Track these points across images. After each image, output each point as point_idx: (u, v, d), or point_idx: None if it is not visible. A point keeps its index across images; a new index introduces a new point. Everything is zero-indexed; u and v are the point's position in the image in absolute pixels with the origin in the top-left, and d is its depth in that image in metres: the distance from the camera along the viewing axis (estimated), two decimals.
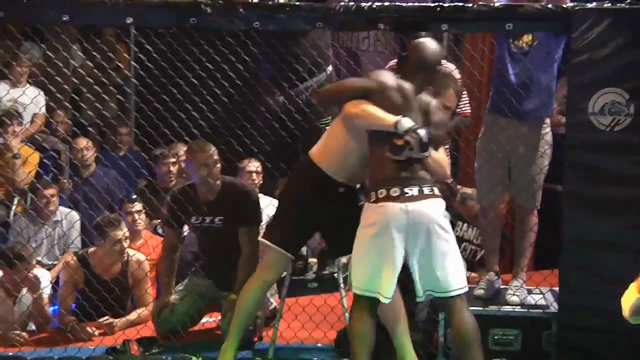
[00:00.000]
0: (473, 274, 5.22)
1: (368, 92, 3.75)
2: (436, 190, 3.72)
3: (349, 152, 3.88)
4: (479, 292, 4.55)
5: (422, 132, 3.65)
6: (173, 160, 6.24)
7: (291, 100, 4.41)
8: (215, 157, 4.62)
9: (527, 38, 4.43)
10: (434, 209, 3.68)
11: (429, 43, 3.84)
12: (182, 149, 6.24)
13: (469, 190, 5.60)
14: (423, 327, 4.42)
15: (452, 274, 3.71)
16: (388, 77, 3.79)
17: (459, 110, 4.93)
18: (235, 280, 4.64)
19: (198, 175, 4.65)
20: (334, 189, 3.94)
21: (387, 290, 3.68)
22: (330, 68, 4.71)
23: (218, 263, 4.73)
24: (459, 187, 5.77)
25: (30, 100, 5.87)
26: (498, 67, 4.53)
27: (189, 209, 4.67)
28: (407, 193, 3.65)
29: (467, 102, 5.06)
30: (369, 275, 3.70)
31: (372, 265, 3.69)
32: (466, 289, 3.77)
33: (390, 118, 3.67)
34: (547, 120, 4.54)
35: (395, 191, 3.65)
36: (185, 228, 4.95)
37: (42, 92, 6.42)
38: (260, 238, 4.16)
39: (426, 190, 3.68)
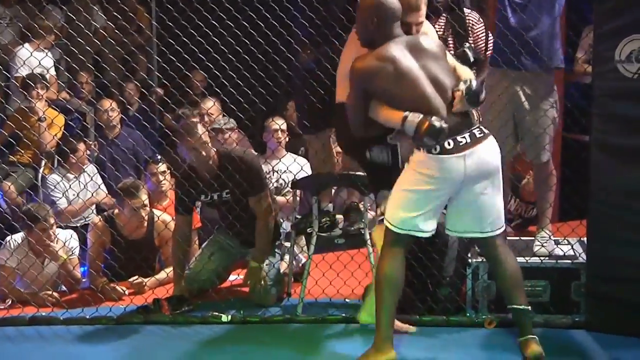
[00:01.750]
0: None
1: (367, 94, 3.67)
2: (484, 129, 3.67)
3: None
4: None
5: (433, 120, 3.53)
6: (196, 119, 6.23)
7: (327, 58, 4.37)
8: (204, 138, 4.59)
9: None
10: (491, 152, 3.65)
11: None
12: (207, 106, 6.27)
13: None
14: (451, 282, 4.42)
15: (499, 214, 3.74)
16: (370, 62, 3.66)
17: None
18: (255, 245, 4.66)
19: (191, 157, 4.64)
20: None
21: (430, 225, 3.70)
22: None
23: (241, 224, 4.73)
24: None
25: (53, 63, 5.90)
26: (500, 18, 4.48)
27: (194, 191, 4.66)
28: (461, 142, 3.58)
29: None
30: (414, 218, 3.65)
31: (419, 211, 3.65)
32: (502, 228, 3.79)
33: (396, 116, 3.59)
34: (553, 71, 4.50)
35: (449, 143, 3.57)
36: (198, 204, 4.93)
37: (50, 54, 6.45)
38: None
39: (477, 133, 3.63)
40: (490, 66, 4.58)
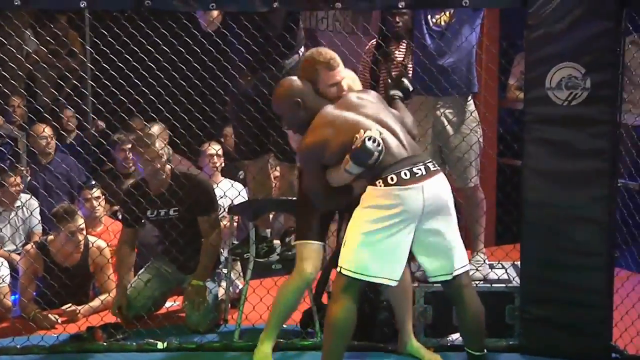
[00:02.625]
0: None
1: (321, 167, 3.66)
2: (436, 164, 3.64)
3: None
4: (421, 273, 4.53)
5: (368, 133, 3.52)
6: (130, 145, 6.19)
7: (264, 83, 4.38)
8: (160, 152, 4.58)
9: (445, 16, 4.45)
10: (445, 186, 3.60)
11: (285, 83, 3.81)
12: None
13: None
14: (388, 306, 4.43)
15: (462, 250, 3.68)
16: (313, 141, 3.65)
17: None
18: (198, 264, 4.64)
19: (145, 171, 4.63)
20: None
21: (398, 274, 3.58)
22: (302, 50, 4.68)
23: (180, 249, 4.71)
24: None
25: None
26: (419, 45, 4.51)
27: (143, 204, 4.63)
28: (417, 173, 3.51)
29: None
30: (378, 261, 3.53)
31: (383, 251, 3.52)
32: (469, 266, 3.78)
33: (340, 170, 3.59)
34: (470, 98, 4.58)
35: (405, 174, 3.50)
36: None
37: None
38: (295, 242, 4.16)
39: (431, 166, 3.58)
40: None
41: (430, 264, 3.69)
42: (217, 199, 4.80)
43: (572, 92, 4.09)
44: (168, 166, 4.66)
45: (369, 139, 3.49)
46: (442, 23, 4.48)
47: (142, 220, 4.77)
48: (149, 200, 4.63)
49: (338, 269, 3.64)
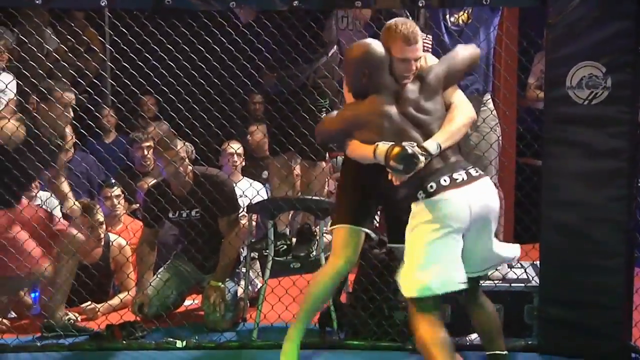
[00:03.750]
0: None
1: (348, 129, 3.60)
2: (480, 170, 3.56)
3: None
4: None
5: (404, 144, 3.43)
6: (148, 144, 6.22)
7: (297, 81, 4.41)
8: (182, 153, 4.59)
9: (463, 15, 4.44)
10: (491, 191, 3.53)
11: (362, 47, 3.64)
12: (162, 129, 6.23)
13: None
14: (406, 306, 4.42)
15: (490, 254, 3.64)
16: (358, 111, 3.61)
17: None
18: (217, 265, 4.66)
19: (166, 172, 4.63)
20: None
21: (464, 276, 3.48)
22: (334, 49, 4.67)
23: (199, 248, 4.72)
24: None
25: (5, 86, 5.81)
26: (437, 44, 4.47)
27: (165, 205, 4.64)
28: (457, 179, 3.44)
29: None
30: (448, 271, 3.43)
31: (448, 261, 3.42)
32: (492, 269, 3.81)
33: (368, 149, 3.51)
34: (488, 96, 4.55)
35: (445, 180, 3.43)
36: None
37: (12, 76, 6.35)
38: (329, 227, 3.93)
39: (473, 172, 3.50)
40: None
41: (467, 261, 3.54)
42: (237, 198, 4.81)
43: (593, 92, 4.07)
44: (190, 167, 4.67)
45: (404, 154, 3.41)
46: (461, 22, 4.46)
47: (163, 220, 4.78)
48: (171, 200, 4.64)
49: (406, 294, 3.50)
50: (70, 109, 4.42)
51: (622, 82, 4.05)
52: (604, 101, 4.08)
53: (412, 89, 3.62)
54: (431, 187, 3.43)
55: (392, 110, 3.57)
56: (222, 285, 4.62)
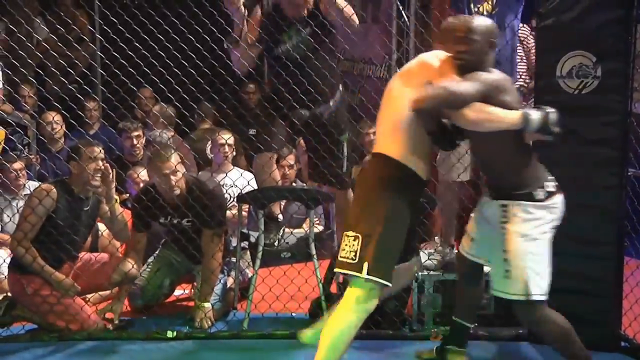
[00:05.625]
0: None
1: (490, 92, 3.42)
2: None
3: (429, 151, 3.56)
4: (430, 262, 4.55)
5: (551, 114, 3.46)
6: (138, 133, 6.20)
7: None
8: (175, 166, 4.51)
9: (487, 5, 4.41)
10: None
11: (480, 19, 3.58)
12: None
13: None
14: (397, 295, 4.43)
15: None
16: (497, 76, 3.49)
17: None
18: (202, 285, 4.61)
19: (162, 184, 4.57)
20: (421, 187, 3.56)
21: None
22: (337, 97, 4.66)
23: (189, 240, 4.67)
24: None
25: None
26: None
27: (156, 210, 4.60)
28: (554, 184, 3.58)
29: None
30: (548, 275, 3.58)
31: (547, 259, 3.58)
32: None
33: (514, 115, 3.40)
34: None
35: (553, 185, 3.56)
36: None
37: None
38: (368, 276, 3.36)
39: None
40: None
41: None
42: (227, 188, 4.78)
43: (583, 81, 4.07)
44: (182, 179, 4.59)
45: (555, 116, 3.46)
46: (485, 12, 4.42)
47: (152, 225, 4.72)
48: (161, 206, 4.58)
49: (521, 298, 3.55)
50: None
51: (613, 71, 4.05)
52: (594, 90, 4.08)
53: None
54: (546, 191, 3.52)
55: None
56: (208, 305, 4.58)
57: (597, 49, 4.05)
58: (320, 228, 5.59)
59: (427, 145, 3.49)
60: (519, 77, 5.15)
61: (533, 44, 4.75)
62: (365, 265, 3.33)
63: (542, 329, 3.62)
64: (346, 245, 3.38)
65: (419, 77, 3.46)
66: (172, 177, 4.51)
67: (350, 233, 3.37)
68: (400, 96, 3.44)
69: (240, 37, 4.43)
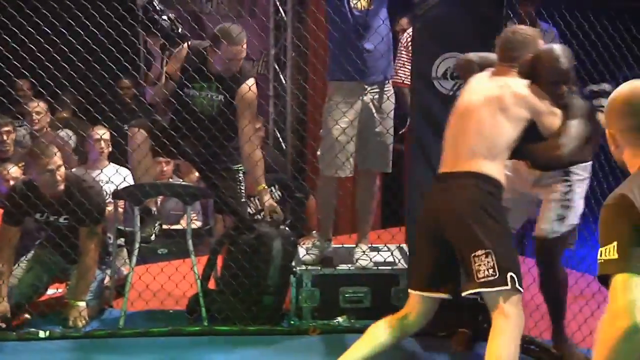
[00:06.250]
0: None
1: None
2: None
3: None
4: (308, 257, 4.60)
5: None
6: (7, 128, 5.99)
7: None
8: (59, 162, 4.40)
9: (363, 2, 4.44)
10: None
11: (559, 52, 3.55)
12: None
13: None
14: (275, 290, 4.46)
15: None
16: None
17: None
18: (77, 283, 4.52)
19: (40, 179, 4.43)
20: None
21: None
22: None
23: (64, 238, 4.55)
24: None
25: None
26: (341, 30, 4.44)
27: (31, 205, 4.44)
28: None
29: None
30: None
31: None
32: None
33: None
34: (390, 82, 4.62)
35: None
36: None
37: None
38: (519, 286, 3.36)
39: None
40: (330, 80, 4.56)
41: None
42: (103, 184, 4.69)
43: (457, 82, 4.18)
44: (62, 174, 4.44)
45: None
46: (362, 8, 4.45)
47: (25, 220, 4.58)
48: (39, 203, 4.43)
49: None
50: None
51: None
52: None
53: None
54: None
55: None
56: (82, 304, 4.47)
57: (470, 51, 4.14)
58: (199, 224, 5.55)
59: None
60: (405, 78, 5.25)
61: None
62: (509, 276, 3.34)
63: None
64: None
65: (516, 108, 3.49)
66: (57, 173, 4.38)
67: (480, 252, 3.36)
68: (497, 124, 3.48)
69: (157, 78, 4.44)
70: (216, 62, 4.48)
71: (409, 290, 3.54)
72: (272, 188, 5.43)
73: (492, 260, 3.31)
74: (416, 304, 3.48)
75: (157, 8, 4.41)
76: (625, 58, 4.19)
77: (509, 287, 3.30)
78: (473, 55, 3.81)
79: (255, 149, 4.60)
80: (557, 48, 3.56)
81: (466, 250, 3.35)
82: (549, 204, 3.85)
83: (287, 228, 4.69)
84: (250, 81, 4.56)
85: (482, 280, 3.32)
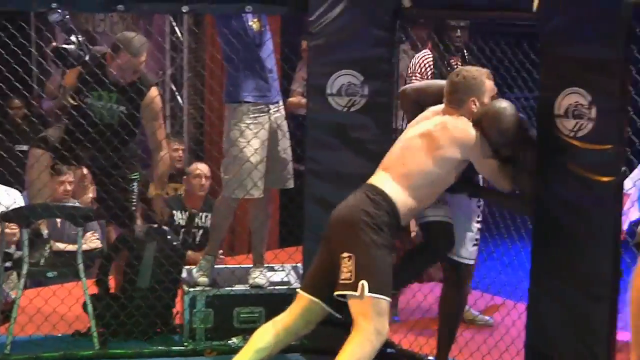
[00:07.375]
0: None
1: None
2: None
3: None
4: (203, 279, 4.54)
5: None
6: None
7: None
8: None
9: (256, 23, 4.41)
10: None
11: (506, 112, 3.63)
12: None
13: None
14: (141, 295, 4.46)
15: None
16: None
17: None
18: None
19: None
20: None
21: None
22: None
23: None
24: None
25: None
26: (241, 51, 4.38)
27: None
28: None
29: None
30: None
31: None
32: None
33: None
34: (281, 103, 4.62)
35: None
36: None
37: None
38: (371, 294, 3.45)
39: None
40: (228, 103, 4.51)
41: None
42: None
43: (352, 99, 4.23)
44: None
45: None
46: (256, 29, 4.41)
47: None
48: None
49: None
50: None
51: (379, 90, 4.24)
52: (362, 108, 4.24)
53: None
54: None
55: None
56: None
57: (364, 69, 4.21)
58: (98, 243, 5.43)
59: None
60: None
61: None
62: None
63: None
64: None
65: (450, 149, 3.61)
66: None
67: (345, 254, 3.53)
68: (422, 158, 3.62)
69: (57, 89, 4.34)
70: (114, 70, 4.40)
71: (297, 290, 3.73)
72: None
73: (353, 264, 3.44)
74: (298, 303, 3.65)
75: (69, 27, 4.29)
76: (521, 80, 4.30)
77: (357, 293, 3.40)
78: (410, 89, 4.01)
79: (167, 153, 4.66)
80: (502, 109, 3.63)
81: (338, 251, 3.51)
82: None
83: (169, 236, 4.64)
84: (154, 90, 4.54)
85: (341, 282, 3.48)
